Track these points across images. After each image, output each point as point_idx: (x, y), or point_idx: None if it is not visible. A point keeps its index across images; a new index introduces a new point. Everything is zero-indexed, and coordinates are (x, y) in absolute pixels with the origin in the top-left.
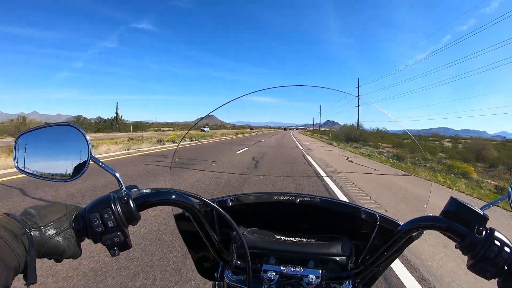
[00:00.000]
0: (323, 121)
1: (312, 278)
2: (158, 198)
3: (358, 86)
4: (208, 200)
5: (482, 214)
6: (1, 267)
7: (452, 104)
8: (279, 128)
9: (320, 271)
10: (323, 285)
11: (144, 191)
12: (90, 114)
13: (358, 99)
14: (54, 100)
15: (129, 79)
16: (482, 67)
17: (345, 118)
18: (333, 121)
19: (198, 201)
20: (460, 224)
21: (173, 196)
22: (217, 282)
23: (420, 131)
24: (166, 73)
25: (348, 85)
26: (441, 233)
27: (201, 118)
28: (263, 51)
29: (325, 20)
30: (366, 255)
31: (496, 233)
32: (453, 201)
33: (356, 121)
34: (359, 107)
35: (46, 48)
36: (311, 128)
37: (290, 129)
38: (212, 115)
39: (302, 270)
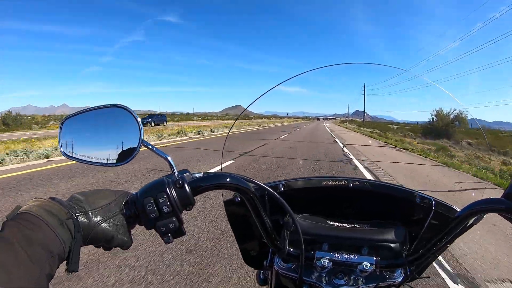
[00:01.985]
0: (352, 111)
1: (366, 266)
2: (213, 181)
3: (364, 88)
4: (263, 184)
5: None
6: (46, 254)
7: (482, 95)
8: (306, 118)
9: (374, 258)
10: (377, 273)
11: (197, 175)
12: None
13: (364, 100)
14: (83, 94)
15: (156, 72)
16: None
17: (373, 108)
18: (362, 111)
19: (252, 185)
20: None
21: (228, 179)
22: (261, 271)
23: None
24: (193, 65)
25: (376, 74)
26: (502, 216)
27: (242, 113)
28: (289, 41)
29: (352, 7)
30: (421, 242)
31: None
32: None
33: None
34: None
35: (74, 43)
36: (342, 119)
37: (323, 119)
38: (240, 105)
39: (356, 257)
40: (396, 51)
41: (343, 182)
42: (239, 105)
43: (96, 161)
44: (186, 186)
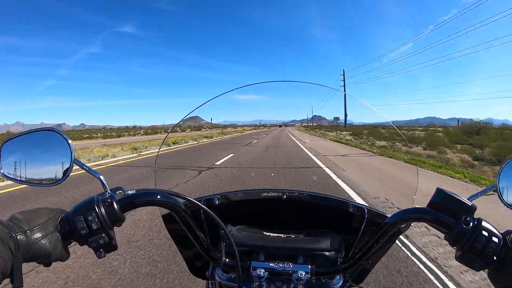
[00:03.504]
0: (310, 116)
1: (301, 274)
2: (142, 199)
3: (344, 78)
4: (195, 199)
5: (470, 204)
6: None
7: (437, 92)
8: (265, 126)
9: (310, 266)
10: (313, 280)
11: (129, 192)
12: (74, 121)
13: (345, 95)
14: (37, 109)
15: (113, 84)
16: (465, 50)
17: (331, 112)
18: (320, 116)
19: (184, 201)
20: (447, 215)
21: (158, 197)
22: (209, 281)
23: (408, 122)
24: (151, 76)
25: (333, 77)
26: (429, 224)
27: (183, 118)
28: (247, 50)
29: (308, 15)
30: (356, 249)
31: (484, 223)
32: (440, 192)
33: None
34: (346, 101)
35: (28, 56)
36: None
37: (286, 125)
38: (197, 116)
39: (291, 266)
40: (352, 53)
41: (280, 194)
42: (197, 116)
43: (34, 181)
44: (114, 203)
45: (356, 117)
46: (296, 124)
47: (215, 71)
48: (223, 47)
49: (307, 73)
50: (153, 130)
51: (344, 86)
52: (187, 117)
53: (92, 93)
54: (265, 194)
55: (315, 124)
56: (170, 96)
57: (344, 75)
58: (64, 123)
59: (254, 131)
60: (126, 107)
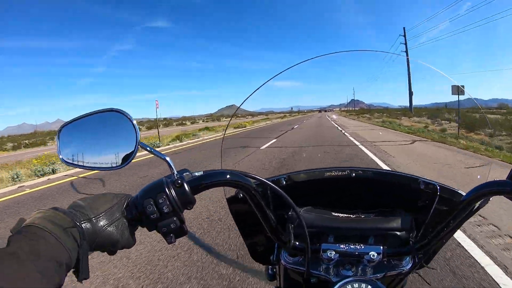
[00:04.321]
0: (347, 100)
1: (373, 255)
2: (212, 179)
3: (405, 39)
4: (264, 179)
5: None
6: (53, 265)
7: (478, 73)
8: (299, 112)
9: (381, 247)
10: (385, 262)
11: (196, 174)
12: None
13: (407, 59)
14: (76, 106)
15: (149, 79)
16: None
17: (370, 96)
18: (358, 100)
19: (254, 180)
20: None
21: (228, 176)
22: (269, 266)
23: (443, 104)
24: (185, 69)
25: (370, 63)
26: (508, 198)
27: (235, 112)
28: (279, 36)
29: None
30: (427, 228)
31: None
32: None
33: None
34: (409, 70)
35: (64, 57)
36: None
37: (325, 111)
38: (233, 104)
39: (362, 247)
40: (386, 38)
41: (346, 172)
42: (233, 104)
43: (95, 165)
44: (185, 185)
45: (395, 101)
46: (334, 109)
47: (246, 60)
48: (255, 35)
49: (342, 60)
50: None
51: (407, 50)
52: (241, 105)
53: (125, 88)
54: (328, 173)
55: (357, 108)
56: (206, 88)
57: (405, 35)
58: None
59: (281, 120)
60: (161, 100)
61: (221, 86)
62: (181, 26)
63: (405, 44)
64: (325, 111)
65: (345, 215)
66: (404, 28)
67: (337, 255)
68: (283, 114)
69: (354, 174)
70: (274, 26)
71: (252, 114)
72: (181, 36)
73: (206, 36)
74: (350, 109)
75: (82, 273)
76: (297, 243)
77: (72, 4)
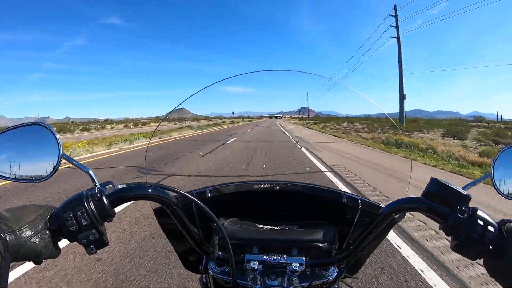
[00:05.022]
0: (297, 108)
1: (295, 266)
2: (133, 193)
3: (397, 19)
4: (186, 192)
5: (464, 193)
6: None
7: (425, 86)
8: (249, 118)
9: (304, 258)
10: (308, 272)
11: (119, 186)
12: (59, 115)
13: (400, 65)
14: (23, 103)
15: (100, 77)
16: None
17: (319, 105)
18: (308, 108)
19: (175, 194)
20: (442, 204)
21: (149, 190)
22: (203, 275)
23: (394, 114)
24: (137, 69)
25: (323, 67)
26: (423, 214)
27: (170, 112)
28: (236, 41)
29: (298, 6)
30: (350, 240)
31: (479, 212)
32: (434, 182)
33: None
34: (401, 74)
35: (12, 50)
36: (288, 117)
37: (276, 117)
38: (183, 108)
39: (285, 258)
40: (339, 45)
41: (271, 185)
42: (183, 108)
43: (19, 177)
44: (104, 198)
45: (345, 110)
46: (284, 116)
47: (203, 63)
48: (212, 39)
49: (295, 64)
50: (126, 123)
51: (398, 30)
52: (175, 109)
53: (77, 86)
54: (257, 186)
55: (310, 116)
56: (158, 89)
57: (396, 15)
58: (48, 117)
59: (226, 126)
60: (112, 100)
61: (171, 88)
62: (135, 25)
63: (396, 25)
64: (276, 117)
65: (270, 227)
66: (395, 6)
67: (261, 265)
68: (231, 120)
69: (278, 187)
70: (231, 30)
71: (198, 118)
72: (136, 35)
73: (162, 36)
74: (303, 116)
75: (2, 282)
76: (221, 253)
77: None
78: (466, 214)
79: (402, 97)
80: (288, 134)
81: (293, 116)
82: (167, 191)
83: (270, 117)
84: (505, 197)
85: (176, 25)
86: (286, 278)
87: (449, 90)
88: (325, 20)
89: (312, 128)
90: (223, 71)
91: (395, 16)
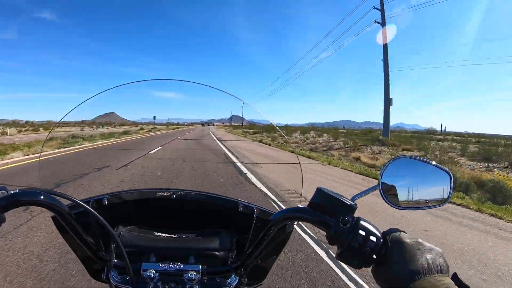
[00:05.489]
0: (228, 116)
1: (192, 274)
2: (23, 198)
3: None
4: (82, 200)
5: (349, 204)
6: None
7: (354, 98)
8: (179, 125)
9: (200, 266)
10: (205, 280)
11: (12, 192)
12: None
13: (386, 71)
14: None
15: (25, 75)
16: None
17: (249, 114)
18: (239, 116)
19: (69, 202)
20: (328, 214)
21: (41, 197)
22: (105, 283)
23: (324, 124)
24: (67, 68)
25: (257, 81)
26: (312, 224)
27: (66, 114)
28: (171, 47)
29: (233, 15)
30: (248, 248)
31: (362, 222)
32: (320, 192)
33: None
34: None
35: None
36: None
37: (208, 125)
38: (113, 112)
39: (182, 266)
40: (273, 55)
41: (168, 194)
42: (113, 112)
43: None
44: None
45: (285, 119)
46: (216, 124)
47: (138, 67)
48: (147, 42)
49: (230, 76)
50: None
51: (383, 18)
52: (70, 112)
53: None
54: (160, 194)
55: (245, 124)
56: (86, 90)
57: (382, 9)
58: None
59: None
60: (36, 101)
61: (99, 90)
62: (67, 20)
63: (382, 20)
64: (208, 125)
65: (167, 235)
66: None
67: (157, 274)
68: (153, 127)
69: (175, 196)
70: (166, 36)
71: (125, 124)
72: (67, 31)
73: (93, 36)
74: (236, 124)
75: None
76: (117, 261)
77: None
78: (348, 224)
79: (388, 102)
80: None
81: (225, 124)
82: (61, 198)
83: (202, 125)
84: (391, 206)
85: (110, 26)
86: (186, 286)
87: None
88: (260, 32)
89: (263, 143)
90: (157, 75)
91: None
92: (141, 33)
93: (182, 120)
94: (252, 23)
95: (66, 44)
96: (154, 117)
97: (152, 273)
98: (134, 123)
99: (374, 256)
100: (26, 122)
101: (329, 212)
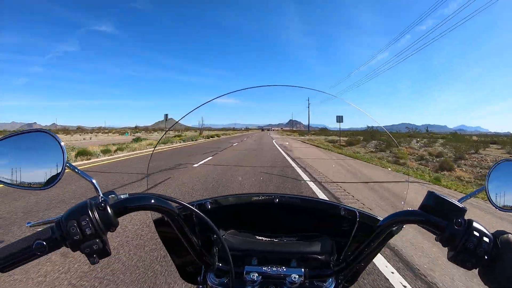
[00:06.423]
0: (285, 121)
1: (294, 277)
2: (136, 203)
3: None
4: (187, 203)
5: (460, 206)
6: None
7: (412, 100)
8: (234, 130)
9: (303, 269)
10: (306, 284)
11: (122, 196)
12: (46, 121)
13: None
14: (8, 107)
15: (87, 84)
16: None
17: (306, 117)
18: (296, 120)
19: (177, 205)
20: (438, 217)
21: (152, 201)
22: (200, 286)
23: (384, 127)
24: (127, 77)
25: (309, 83)
26: (420, 226)
27: (173, 125)
28: (222, 54)
29: (285, 21)
30: (348, 252)
31: (475, 224)
32: (431, 195)
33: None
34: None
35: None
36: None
37: (268, 130)
38: (171, 118)
39: (284, 269)
40: (329, 61)
41: (269, 198)
42: (171, 118)
43: (22, 185)
44: (108, 208)
45: (332, 123)
46: (273, 129)
47: (189, 74)
48: (198, 50)
49: (281, 79)
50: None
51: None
52: (179, 120)
53: (64, 92)
54: (256, 198)
55: (298, 129)
56: (142, 98)
57: None
58: (35, 122)
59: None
60: (98, 108)
61: (163, 97)
62: (125, 33)
63: None
64: (268, 130)
65: (269, 238)
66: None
67: (260, 277)
68: (215, 133)
69: (277, 200)
70: (221, 43)
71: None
72: (124, 43)
73: (151, 46)
74: (293, 129)
75: None
76: (221, 264)
77: None
78: (462, 226)
79: None
80: None
81: (283, 128)
82: (169, 202)
83: (262, 129)
84: (499, 209)
85: (165, 37)
86: None
87: (434, 104)
88: (312, 36)
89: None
90: (207, 82)
91: None
92: (190, 42)
93: (239, 125)
94: (304, 27)
95: (121, 54)
96: (235, 125)
97: (255, 276)
98: (195, 129)
99: (486, 258)
100: (78, 128)
101: (441, 214)
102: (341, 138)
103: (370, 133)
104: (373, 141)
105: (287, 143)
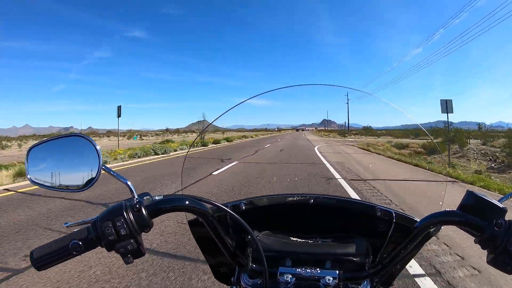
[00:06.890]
0: (319, 120)
1: (329, 279)
2: (170, 204)
3: None
4: (221, 204)
5: (500, 206)
6: None
7: (446, 95)
8: (274, 130)
9: (337, 271)
10: (341, 286)
11: (157, 198)
12: (82, 125)
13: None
14: (47, 112)
15: (122, 89)
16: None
17: (341, 116)
18: (330, 120)
19: (211, 206)
20: (478, 217)
21: (186, 202)
22: (234, 287)
23: (421, 125)
24: (159, 81)
25: (344, 82)
26: (459, 227)
27: (205, 127)
28: (252, 56)
29: (317, 21)
30: (384, 254)
31: None
32: (470, 195)
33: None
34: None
35: (38, 60)
36: (312, 129)
37: (302, 130)
38: (205, 120)
39: (318, 271)
40: (361, 59)
41: (304, 198)
42: (204, 120)
43: (60, 187)
44: (143, 209)
45: (373, 122)
46: (307, 128)
47: (221, 76)
48: (229, 53)
49: (314, 78)
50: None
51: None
52: (213, 122)
53: (99, 97)
54: (290, 199)
55: (333, 128)
56: (175, 100)
57: None
58: (71, 126)
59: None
60: (134, 110)
61: (194, 100)
62: (157, 38)
63: None
64: (303, 130)
65: (303, 239)
66: None
67: (294, 278)
68: (252, 133)
69: (312, 201)
70: (250, 44)
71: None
72: (157, 48)
73: (182, 50)
74: (328, 129)
75: None
76: (254, 265)
77: (46, 6)
78: (502, 227)
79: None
80: None
81: (317, 128)
82: (203, 203)
83: (297, 130)
84: None
85: (198, 41)
86: None
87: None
88: (345, 37)
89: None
90: (238, 84)
91: None
92: (225, 44)
93: (272, 126)
94: (335, 26)
95: (155, 59)
96: (267, 126)
97: (289, 277)
98: (232, 130)
99: None
100: (109, 131)
101: (480, 215)
102: (393, 139)
103: (448, 133)
104: (470, 145)
105: (340, 153)
